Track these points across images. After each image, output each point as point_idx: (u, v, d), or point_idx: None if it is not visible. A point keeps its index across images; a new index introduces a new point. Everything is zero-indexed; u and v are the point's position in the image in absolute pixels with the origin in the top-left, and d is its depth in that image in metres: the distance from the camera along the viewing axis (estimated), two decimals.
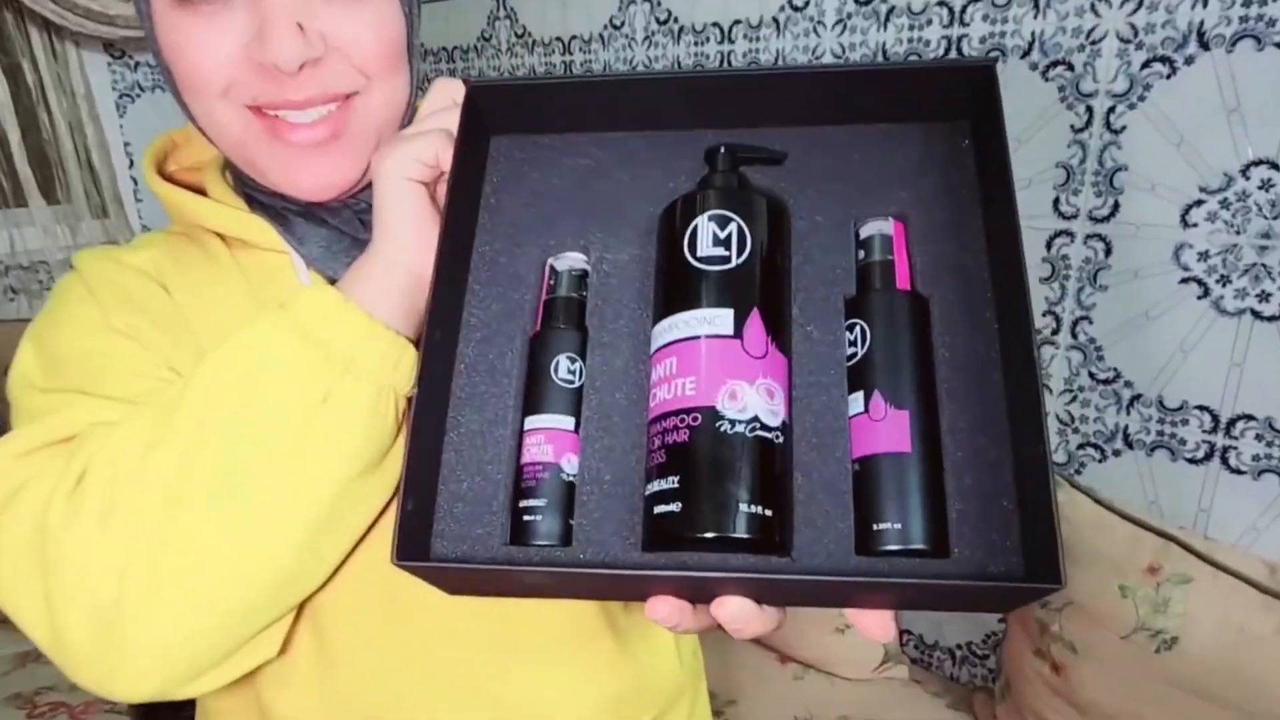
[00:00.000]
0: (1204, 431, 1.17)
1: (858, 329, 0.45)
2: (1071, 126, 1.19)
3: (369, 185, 0.55)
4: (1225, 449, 1.17)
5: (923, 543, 0.41)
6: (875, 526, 0.42)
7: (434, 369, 0.46)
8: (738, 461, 0.40)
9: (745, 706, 1.40)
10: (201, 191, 0.63)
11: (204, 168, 0.65)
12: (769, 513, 0.41)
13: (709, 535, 0.40)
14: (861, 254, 0.47)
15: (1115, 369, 1.24)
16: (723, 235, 0.44)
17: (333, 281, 0.55)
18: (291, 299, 0.50)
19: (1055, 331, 1.28)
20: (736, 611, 0.41)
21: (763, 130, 0.51)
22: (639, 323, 0.48)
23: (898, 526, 0.41)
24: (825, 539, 0.43)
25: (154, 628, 0.46)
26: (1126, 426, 1.25)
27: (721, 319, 0.43)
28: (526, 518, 0.45)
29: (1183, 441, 1.20)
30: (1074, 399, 1.29)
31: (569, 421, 0.47)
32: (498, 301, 0.50)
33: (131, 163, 2.62)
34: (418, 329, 0.51)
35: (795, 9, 1.40)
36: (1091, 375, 1.26)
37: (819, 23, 1.37)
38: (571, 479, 0.46)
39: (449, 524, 0.46)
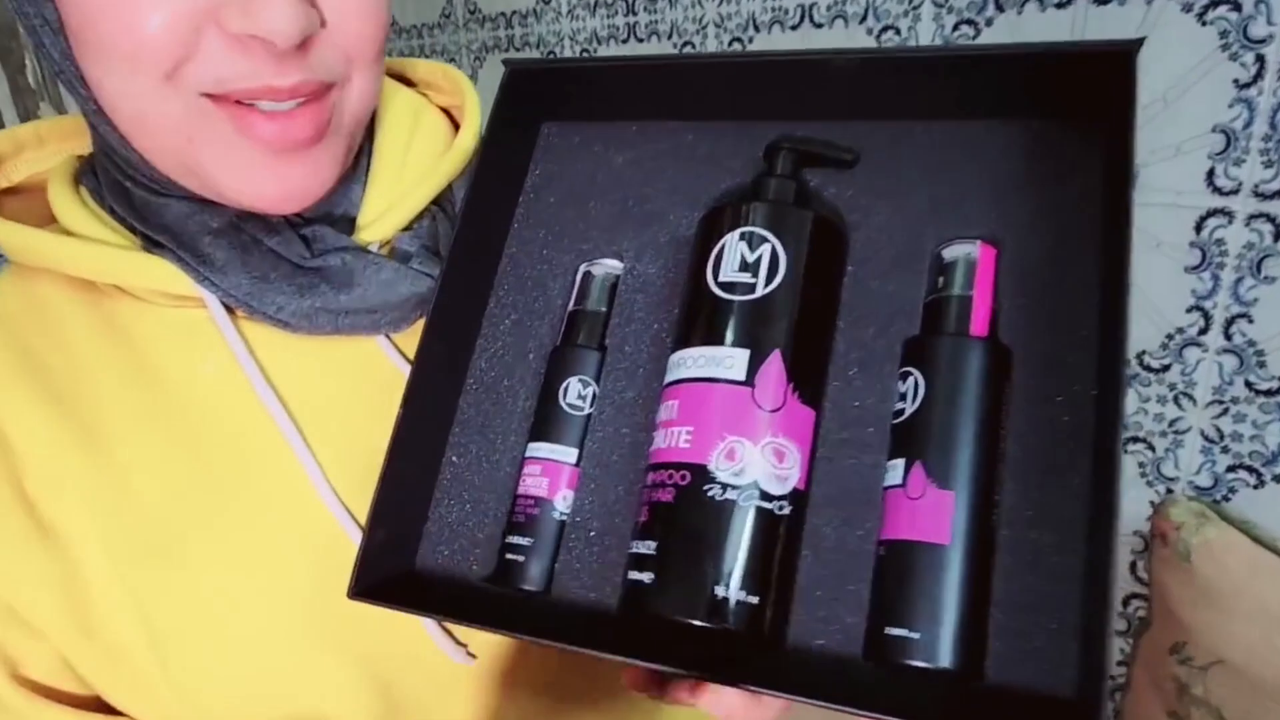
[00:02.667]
0: None
1: (911, 380, 0.34)
2: (1235, 81, 0.93)
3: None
4: None
5: (949, 662, 0.31)
6: (890, 631, 0.32)
7: (427, 386, 0.39)
8: (724, 536, 0.32)
9: None
10: (43, 218, 0.45)
11: (51, 180, 0.45)
12: (756, 600, 0.32)
13: (678, 619, 0.32)
14: (937, 284, 0.36)
15: None
16: (751, 258, 0.35)
17: (275, 320, 0.41)
18: None
19: (1204, 331, 1.01)
20: (713, 701, 0.34)
21: (836, 123, 0.39)
22: (660, 349, 0.39)
23: (917, 636, 0.31)
24: (830, 634, 0.33)
25: None
26: None
27: (734, 361, 0.33)
28: (509, 556, 0.38)
29: None
30: (1225, 412, 1.04)
31: (571, 454, 0.39)
32: (517, 310, 0.42)
33: None
34: None
35: None
36: (1249, 385, 1.01)
37: None
38: (564, 518, 0.38)
39: (435, 552, 0.40)
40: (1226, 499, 1.07)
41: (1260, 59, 0.93)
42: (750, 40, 1.26)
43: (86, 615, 0.40)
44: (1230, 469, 1.06)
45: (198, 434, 0.42)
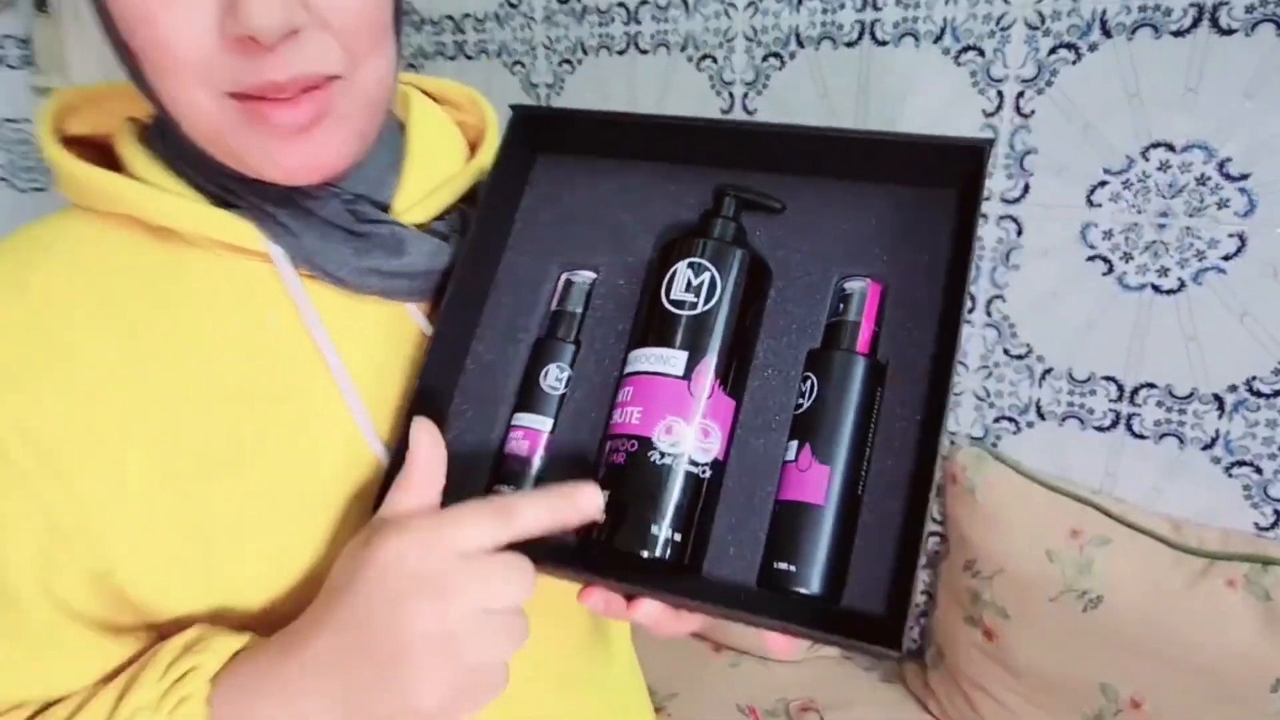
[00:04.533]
0: (1110, 401, 1.18)
1: (809, 382, 0.45)
2: (983, 111, 1.17)
3: (353, 169, 0.48)
4: (1130, 416, 1.17)
5: (815, 588, 0.42)
6: (776, 565, 0.43)
7: (437, 365, 0.49)
8: (661, 490, 0.42)
9: (686, 698, 1.34)
10: (110, 165, 0.49)
11: (114, 135, 0.52)
12: (679, 537, 0.42)
13: (623, 550, 0.42)
14: (837, 309, 0.47)
15: (1028, 345, 1.23)
16: (695, 283, 0.44)
17: (332, 278, 0.48)
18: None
19: (971, 310, 1.25)
20: (648, 612, 0.43)
21: (774, 176, 0.49)
22: (623, 346, 0.48)
23: (794, 569, 0.42)
24: (733, 567, 0.44)
25: None
26: (1039, 399, 1.23)
27: (676, 360, 0.43)
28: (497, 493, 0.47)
29: (1091, 411, 1.20)
30: (990, 375, 1.27)
31: (547, 423, 0.48)
32: (512, 308, 0.51)
33: None
34: None
35: None
36: (1006, 351, 1.25)
37: (730, 4, 1.31)
38: (539, 474, 0.48)
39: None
40: (995, 444, 1.27)
41: (1000, 94, 1.15)
42: (792, 56, 1.27)
43: (126, 520, 0.45)
44: (996, 420, 1.27)
45: (258, 372, 0.47)
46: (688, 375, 0.44)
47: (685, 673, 1.41)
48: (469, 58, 1.64)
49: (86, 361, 0.45)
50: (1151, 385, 1.15)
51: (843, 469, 0.43)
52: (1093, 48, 1.06)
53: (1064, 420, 1.22)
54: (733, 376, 0.45)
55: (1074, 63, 1.09)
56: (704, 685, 1.38)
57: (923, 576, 1.42)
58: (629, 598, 0.43)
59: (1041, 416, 1.23)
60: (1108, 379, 1.17)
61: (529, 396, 0.50)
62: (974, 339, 1.25)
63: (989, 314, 1.23)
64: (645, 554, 0.42)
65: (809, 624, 0.40)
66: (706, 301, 0.45)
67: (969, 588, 1.23)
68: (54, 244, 0.48)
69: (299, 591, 0.48)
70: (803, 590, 0.42)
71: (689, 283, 0.45)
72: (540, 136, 0.53)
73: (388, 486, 0.44)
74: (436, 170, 0.54)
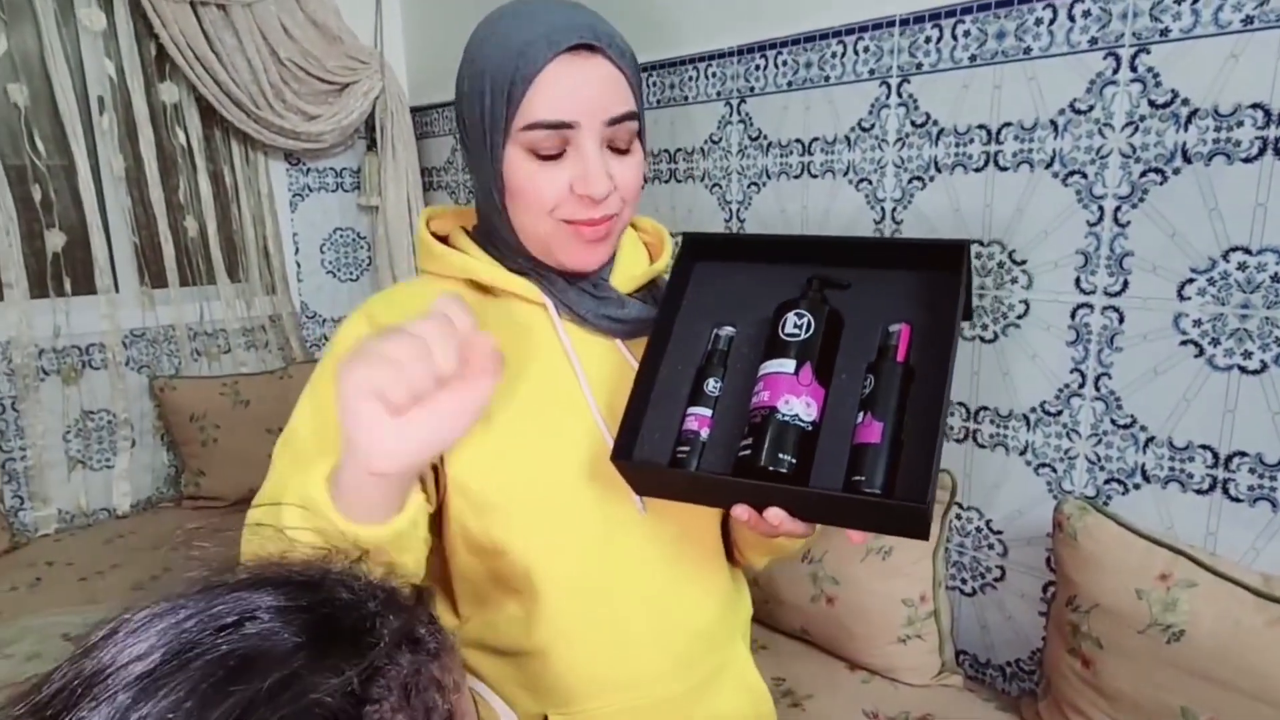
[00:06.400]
0: (1207, 467, 1.32)
1: (869, 379, 0.72)
2: (1087, 222, 1.39)
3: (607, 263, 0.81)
4: (1225, 481, 1.30)
5: (877, 489, 0.67)
6: (853, 478, 0.68)
7: (644, 380, 0.79)
8: (781, 435, 0.69)
9: (821, 700, 1.53)
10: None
11: (450, 234, 0.87)
12: (794, 461, 0.69)
13: (758, 467, 0.69)
14: (887, 339, 0.74)
15: (1133, 416, 1.39)
16: (799, 323, 0.73)
17: (580, 318, 0.82)
18: (312, 500, 0.61)
19: (1081, 386, 1.45)
20: (775, 512, 0.68)
21: (845, 268, 0.79)
22: (752, 368, 0.77)
23: (863, 479, 0.68)
24: (829, 481, 0.70)
25: None
26: (1144, 464, 1.39)
27: (788, 365, 0.71)
28: (679, 455, 0.75)
29: (1190, 475, 1.34)
30: (1100, 441, 1.44)
31: (708, 413, 0.76)
32: (685, 349, 0.81)
33: (298, 249, 2.86)
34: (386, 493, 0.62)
35: (864, 129, 1.65)
36: (1113, 421, 1.42)
37: (881, 140, 1.62)
38: (704, 441, 0.76)
39: (641, 451, 0.78)
40: (1106, 503, 1.44)
41: (1100, 208, 1.40)
42: (932, 179, 1.56)
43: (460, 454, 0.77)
44: (1107, 482, 1.45)
45: (536, 372, 0.79)
46: (796, 373, 0.73)
47: (822, 681, 1.62)
48: (679, 181, 2.08)
49: None
50: (1244, 454, 1.27)
51: (891, 423, 0.70)
52: (1176, 171, 1.26)
53: (1166, 483, 1.37)
54: (822, 374, 0.74)
55: (1161, 184, 1.28)
56: (836, 693, 1.57)
57: (1039, 622, 1.57)
58: (760, 507, 0.70)
59: (1147, 479, 1.39)
60: (1204, 447, 1.31)
61: (697, 396, 0.79)
62: (1085, 409, 1.44)
63: (1097, 389, 1.42)
64: (773, 469, 0.70)
65: (872, 504, 0.67)
66: (805, 333, 0.75)
67: (1070, 621, 1.37)
68: (414, 286, 0.85)
69: (545, 504, 0.80)
70: (869, 490, 0.68)
71: (794, 323, 0.76)
72: (699, 250, 0.86)
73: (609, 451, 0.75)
74: (632, 268, 0.88)
